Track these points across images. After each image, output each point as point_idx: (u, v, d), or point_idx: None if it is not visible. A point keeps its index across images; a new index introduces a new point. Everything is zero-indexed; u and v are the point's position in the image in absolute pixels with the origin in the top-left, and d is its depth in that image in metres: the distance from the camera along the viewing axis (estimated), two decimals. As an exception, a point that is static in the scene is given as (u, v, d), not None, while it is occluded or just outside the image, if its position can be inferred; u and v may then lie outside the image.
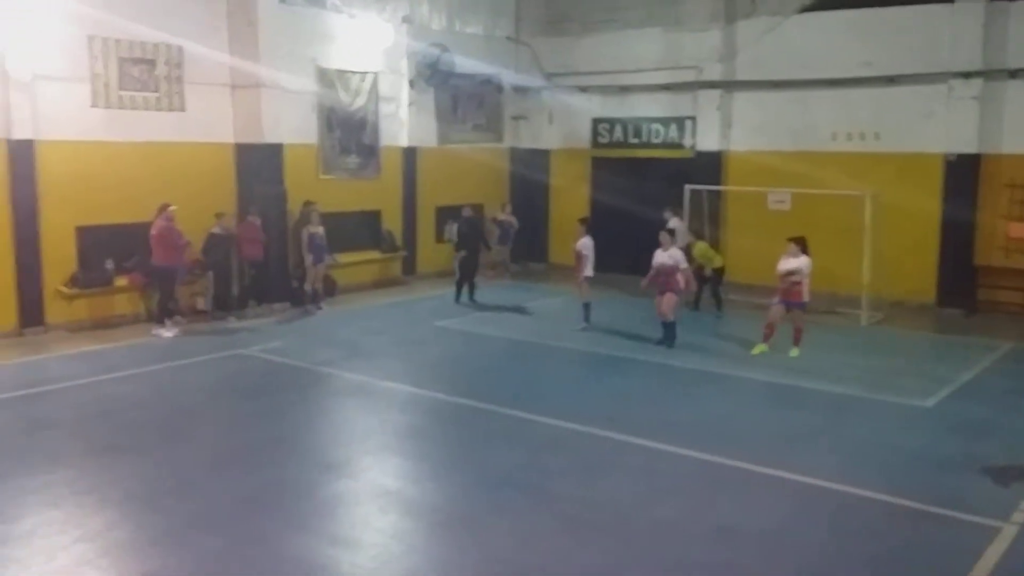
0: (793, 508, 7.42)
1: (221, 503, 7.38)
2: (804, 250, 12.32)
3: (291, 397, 10.43)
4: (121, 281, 14.22)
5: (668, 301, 12.81)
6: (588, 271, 14.04)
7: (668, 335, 13.01)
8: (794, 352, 12.40)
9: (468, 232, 16.88)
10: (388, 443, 9.10)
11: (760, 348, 12.61)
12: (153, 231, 13.44)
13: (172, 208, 13.48)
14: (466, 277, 16.56)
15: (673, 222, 16.48)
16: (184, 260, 13.98)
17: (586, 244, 14.06)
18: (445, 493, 7.68)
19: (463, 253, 16.52)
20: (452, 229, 17.67)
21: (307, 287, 15.66)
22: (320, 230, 15.56)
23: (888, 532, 6.97)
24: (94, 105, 13.67)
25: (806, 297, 12.33)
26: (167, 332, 13.46)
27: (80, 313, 13.78)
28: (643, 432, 9.15)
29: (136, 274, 14.29)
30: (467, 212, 17.16)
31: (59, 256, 13.47)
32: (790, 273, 12.17)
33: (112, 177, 13.87)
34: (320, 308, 15.66)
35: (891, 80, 16.50)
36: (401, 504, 7.46)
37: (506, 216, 19.52)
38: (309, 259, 15.48)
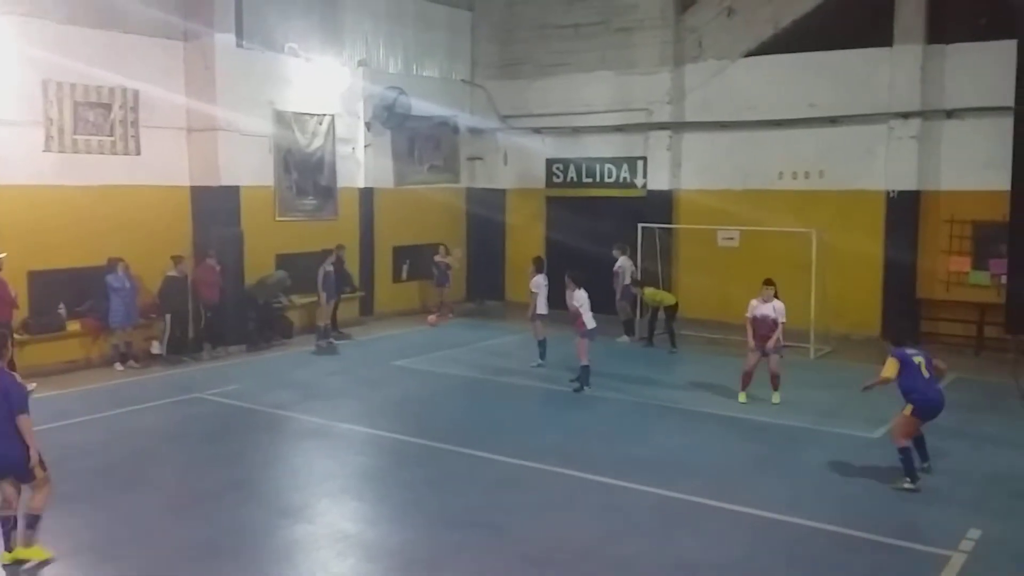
0: (750, 541, 7.55)
1: (176, 551, 7.27)
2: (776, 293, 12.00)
3: (247, 441, 10.36)
4: (74, 326, 14.04)
5: (578, 345, 12.72)
6: (541, 309, 14.18)
7: (582, 377, 12.78)
8: (776, 398, 11.98)
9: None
10: (346, 486, 9.03)
11: (742, 397, 12.17)
12: None
13: (2, 256, 12.36)
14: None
15: (621, 260, 16.71)
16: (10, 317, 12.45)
17: (537, 282, 14.19)
18: (404, 535, 7.65)
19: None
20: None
21: (319, 323, 16.15)
22: (331, 268, 16.16)
23: (842, 563, 7.14)
24: (47, 149, 13.57)
25: (782, 342, 12.00)
26: None
27: (32, 359, 13.42)
28: (600, 468, 9.26)
29: (89, 319, 14.13)
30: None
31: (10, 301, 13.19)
32: (765, 318, 11.80)
33: (65, 221, 13.75)
34: (331, 343, 16.10)
35: (834, 120, 17.09)
36: (360, 548, 7.43)
37: (441, 258, 19.42)
38: (323, 296, 15.93)
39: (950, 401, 12.31)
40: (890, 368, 8.76)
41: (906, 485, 8.70)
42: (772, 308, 11.87)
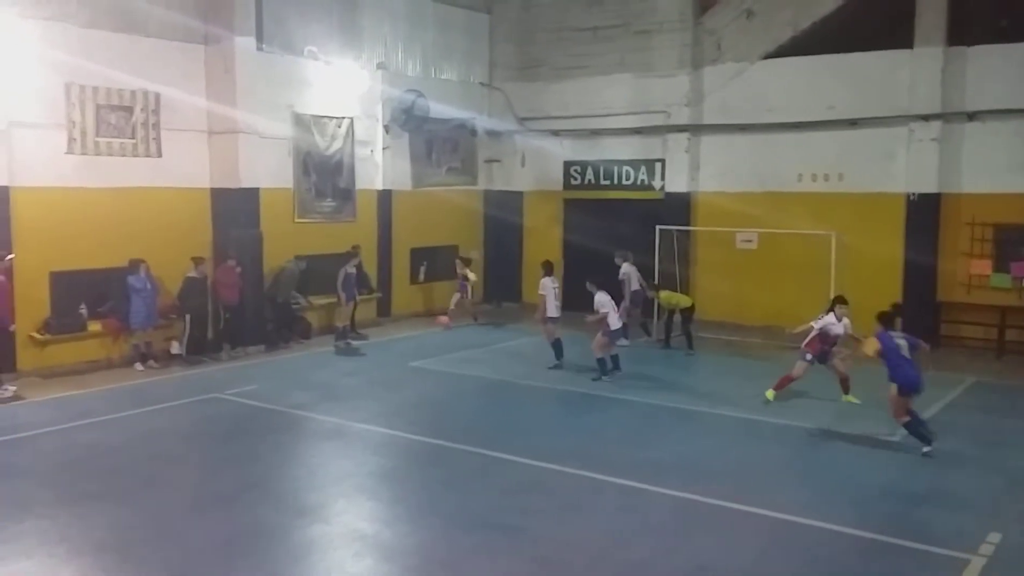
0: (767, 544, 7.55)
1: (195, 550, 7.35)
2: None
3: (265, 441, 10.43)
4: (95, 326, 14.17)
5: (596, 341, 13.39)
6: (550, 311, 14.20)
7: (599, 368, 13.46)
8: (853, 398, 12.12)
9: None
10: (363, 486, 9.07)
11: (771, 395, 12.04)
12: None
13: (10, 258, 12.62)
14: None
15: (624, 267, 16.56)
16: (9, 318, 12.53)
17: (544, 285, 14.25)
18: (421, 536, 7.69)
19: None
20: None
21: (338, 324, 16.30)
22: (353, 270, 16.37)
23: (860, 567, 7.11)
24: (70, 152, 13.71)
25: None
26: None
27: (53, 359, 13.66)
28: (618, 470, 9.25)
29: (110, 319, 14.27)
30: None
31: (32, 302, 13.36)
32: (837, 336, 11.81)
33: (87, 223, 13.89)
34: (349, 343, 16.16)
35: (854, 123, 16.99)
36: (376, 548, 7.45)
37: (460, 270, 19.18)
38: (343, 297, 16.15)
39: (970, 405, 12.28)
40: (870, 346, 9.97)
41: (924, 450, 9.67)
42: (844, 326, 11.94)
